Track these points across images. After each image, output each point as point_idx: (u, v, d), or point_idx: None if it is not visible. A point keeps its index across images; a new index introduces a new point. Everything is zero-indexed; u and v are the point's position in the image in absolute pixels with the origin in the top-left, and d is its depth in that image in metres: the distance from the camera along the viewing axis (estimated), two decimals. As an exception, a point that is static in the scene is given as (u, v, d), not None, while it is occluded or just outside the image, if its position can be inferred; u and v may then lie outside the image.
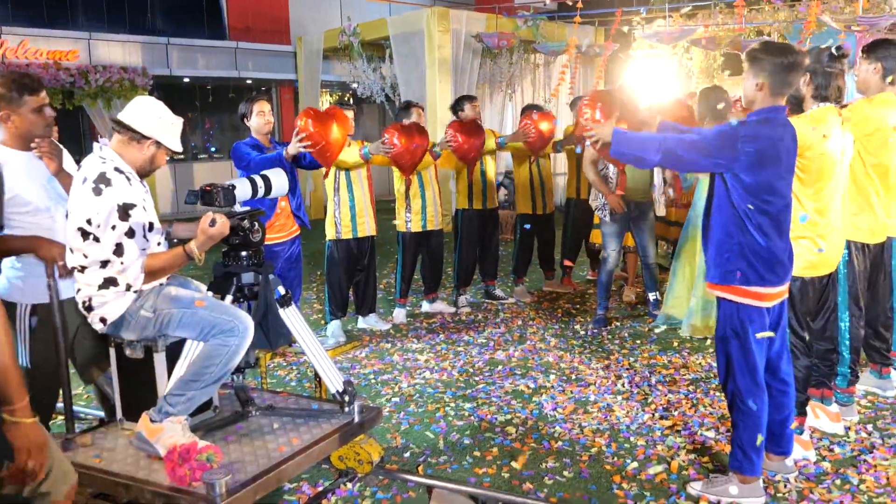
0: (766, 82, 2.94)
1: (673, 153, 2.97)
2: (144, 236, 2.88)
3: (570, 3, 11.12)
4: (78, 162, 3.10)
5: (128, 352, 3.00)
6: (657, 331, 5.74)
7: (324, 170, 5.19)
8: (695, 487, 3.23)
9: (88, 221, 2.78)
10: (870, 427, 3.86)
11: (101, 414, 3.72)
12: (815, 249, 3.36)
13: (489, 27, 11.61)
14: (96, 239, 2.79)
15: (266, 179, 3.22)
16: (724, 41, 11.04)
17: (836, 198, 3.37)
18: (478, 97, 6.57)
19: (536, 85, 13.62)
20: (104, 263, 2.84)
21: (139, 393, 3.04)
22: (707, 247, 3.10)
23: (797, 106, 3.57)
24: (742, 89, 3.11)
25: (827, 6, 9.63)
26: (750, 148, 2.84)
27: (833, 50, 3.47)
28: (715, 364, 4.87)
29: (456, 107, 6.39)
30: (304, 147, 4.57)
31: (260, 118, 4.81)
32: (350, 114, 5.42)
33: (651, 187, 5.92)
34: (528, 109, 6.81)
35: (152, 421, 2.83)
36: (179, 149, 3.02)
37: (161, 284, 3.01)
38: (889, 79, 3.89)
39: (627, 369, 4.89)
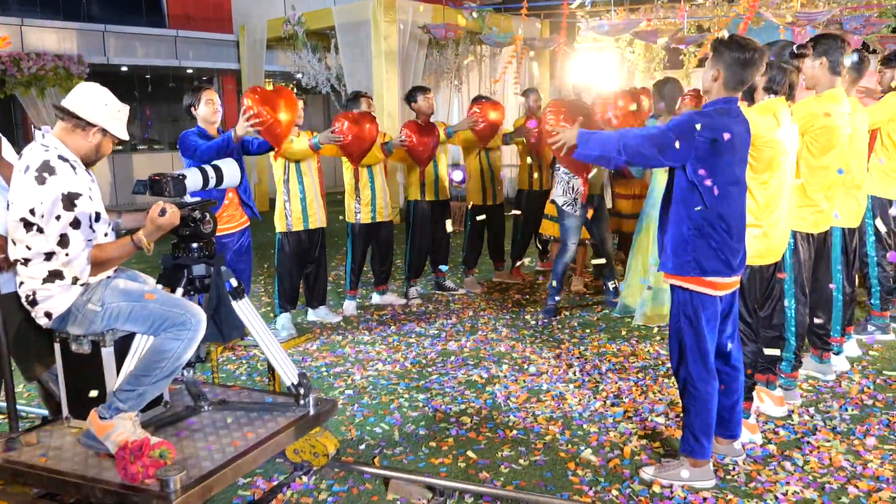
0: (722, 74, 3.01)
1: (636, 150, 3.02)
2: (91, 227, 2.78)
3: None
4: (18, 152, 2.99)
5: (74, 347, 2.90)
6: (612, 315, 5.84)
7: (271, 157, 5.15)
8: (647, 472, 3.29)
9: (31, 212, 2.68)
10: (812, 410, 3.98)
11: (45, 412, 3.60)
12: (762, 235, 3.43)
13: (436, 18, 11.58)
14: (40, 230, 2.70)
15: (217, 169, 3.14)
16: (665, 35, 11.23)
17: (784, 188, 3.45)
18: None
19: (483, 77, 13.66)
20: (48, 255, 2.74)
21: (86, 389, 2.94)
22: (663, 238, 3.16)
23: (749, 96, 3.64)
24: (701, 78, 3.18)
25: (765, 1, 9.89)
26: (707, 136, 2.90)
27: (794, 48, 3.54)
28: (662, 351, 5.00)
29: (409, 98, 6.36)
30: (253, 126, 4.47)
31: (209, 106, 4.70)
32: (299, 104, 5.35)
33: (605, 181, 6.01)
34: (476, 100, 6.83)
35: (101, 418, 2.75)
36: (126, 137, 2.93)
37: (109, 277, 2.92)
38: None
39: (578, 358, 4.95)
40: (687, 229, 3.03)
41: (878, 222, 5.02)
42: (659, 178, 5.46)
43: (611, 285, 6.18)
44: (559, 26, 12.18)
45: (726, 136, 2.94)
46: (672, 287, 3.17)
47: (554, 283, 5.97)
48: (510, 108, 13.21)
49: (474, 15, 12.05)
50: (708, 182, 2.96)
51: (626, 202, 6.66)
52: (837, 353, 4.61)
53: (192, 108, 4.72)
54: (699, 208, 2.99)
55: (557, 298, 6.02)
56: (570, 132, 3.22)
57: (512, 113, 13.02)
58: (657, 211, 5.42)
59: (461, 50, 12.50)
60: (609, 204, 6.43)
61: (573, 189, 5.77)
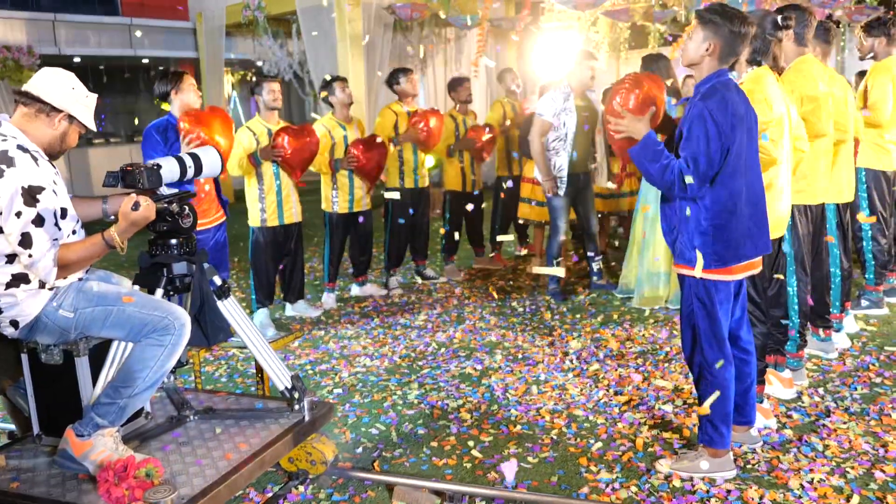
0: (718, 47, 2.85)
1: (696, 188, 2.83)
2: (56, 224, 2.49)
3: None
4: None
5: (44, 357, 2.63)
6: (600, 298, 5.66)
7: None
8: (664, 465, 3.12)
9: (-11, 209, 2.39)
10: (821, 391, 3.86)
11: (12, 427, 3.31)
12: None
13: (400, -1, 11.27)
14: (0, 230, 2.42)
15: (195, 158, 2.88)
16: (636, 13, 11.07)
17: (782, 158, 3.30)
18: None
19: (448, 59, 13.38)
20: (10, 258, 2.46)
21: (59, 404, 2.68)
22: (669, 229, 2.99)
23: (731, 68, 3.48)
24: (684, 49, 3.00)
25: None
26: (721, 119, 2.75)
27: (779, 19, 3.38)
28: (658, 335, 4.85)
29: (391, 79, 6.11)
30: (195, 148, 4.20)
31: (193, 92, 4.32)
32: (276, 86, 5.08)
33: (592, 158, 5.81)
34: (454, 82, 6.62)
35: (79, 435, 2.50)
36: (93, 126, 2.66)
37: (80, 279, 2.65)
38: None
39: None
40: (693, 220, 2.86)
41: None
42: None
43: (595, 266, 6.01)
44: (523, 6, 11.97)
45: (734, 109, 2.79)
46: (680, 275, 3.00)
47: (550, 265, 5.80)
48: (481, 92, 12.99)
49: (439, -5, 11.76)
50: (723, 167, 2.81)
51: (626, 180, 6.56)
52: (838, 331, 4.51)
53: (174, 93, 4.32)
54: (715, 196, 2.82)
55: (558, 280, 5.87)
56: (637, 127, 2.99)
57: (479, 97, 12.78)
58: (653, 191, 5.30)
59: (426, 33, 12.22)
60: (604, 182, 6.24)
61: (555, 168, 5.59)
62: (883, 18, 4.89)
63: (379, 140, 5.75)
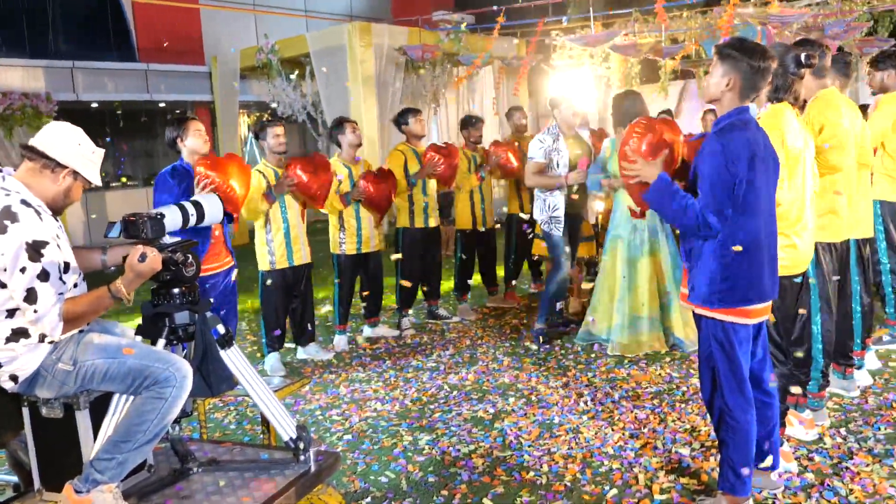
0: (739, 83, 2.81)
1: (716, 226, 2.78)
2: (61, 278, 2.49)
3: (494, 12, 11.08)
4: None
5: (44, 411, 2.60)
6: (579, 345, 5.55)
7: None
8: (682, 513, 3.03)
9: (-9, 264, 2.38)
10: (843, 431, 3.74)
11: (16, 479, 3.27)
12: (788, 245, 3.22)
13: (412, 40, 11.40)
14: (2, 285, 2.41)
15: (198, 206, 2.87)
16: (644, 48, 11.12)
17: (805, 194, 3.24)
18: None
19: (460, 98, 13.48)
20: (11, 312, 2.45)
21: (60, 457, 2.64)
22: (689, 267, 2.93)
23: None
24: (706, 85, 2.95)
25: (739, 10, 9.80)
26: (733, 155, 2.70)
27: (802, 57, 3.34)
28: (674, 374, 4.76)
29: (400, 119, 6.13)
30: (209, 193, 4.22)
31: (199, 137, 4.38)
32: (280, 129, 5.12)
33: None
34: (466, 121, 6.64)
35: (77, 492, 2.45)
36: (98, 181, 2.66)
37: (80, 331, 2.62)
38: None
39: (587, 386, 4.68)
40: (718, 259, 2.80)
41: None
42: (622, 199, 5.24)
43: (558, 305, 5.87)
44: (529, 46, 12.09)
45: (754, 149, 2.75)
46: (697, 316, 2.93)
47: (544, 304, 5.69)
48: (492, 128, 13.05)
49: (451, 36, 11.89)
50: (740, 206, 2.76)
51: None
52: (859, 368, 4.40)
53: (179, 140, 4.39)
54: (733, 235, 2.77)
55: (547, 320, 5.71)
56: (651, 169, 2.97)
57: (491, 134, 12.84)
58: (625, 231, 5.22)
59: (438, 72, 12.33)
60: (592, 220, 6.20)
61: (549, 207, 5.52)
62: (888, 51, 4.84)
63: (388, 171, 5.83)
